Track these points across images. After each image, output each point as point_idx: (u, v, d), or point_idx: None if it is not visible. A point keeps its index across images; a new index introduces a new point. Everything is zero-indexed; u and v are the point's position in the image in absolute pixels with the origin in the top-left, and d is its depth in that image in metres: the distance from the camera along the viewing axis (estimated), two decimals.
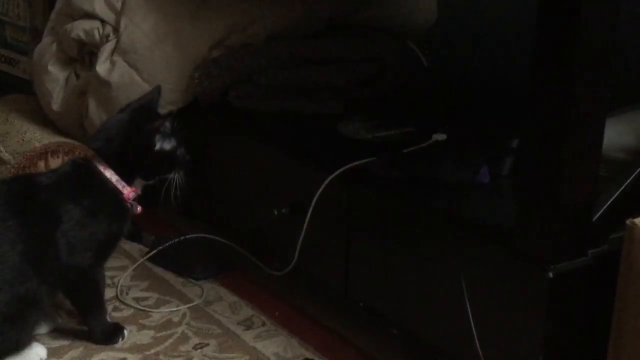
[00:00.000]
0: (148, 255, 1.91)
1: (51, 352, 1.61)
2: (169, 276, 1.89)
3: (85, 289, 1.61)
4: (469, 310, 1.35)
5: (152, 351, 1.63)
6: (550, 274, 1.25)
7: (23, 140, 2.01)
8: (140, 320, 1.72)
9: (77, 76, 2.04)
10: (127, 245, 1.99)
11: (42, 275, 1.52)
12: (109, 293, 1.80)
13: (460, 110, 1.88)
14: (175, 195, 1.65)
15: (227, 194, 1.93)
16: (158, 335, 1.68)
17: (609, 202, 1.28)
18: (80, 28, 1.98)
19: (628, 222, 1.17)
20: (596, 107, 1.22)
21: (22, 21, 2.54)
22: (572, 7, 1.14)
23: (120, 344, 1.64)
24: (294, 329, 1.70)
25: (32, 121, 2.11)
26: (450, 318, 1.41)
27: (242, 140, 1.86)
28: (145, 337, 1.67)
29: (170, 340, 1.66)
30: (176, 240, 1.91)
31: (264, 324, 1.72)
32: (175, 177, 1.65)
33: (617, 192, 1.29)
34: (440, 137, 1.68)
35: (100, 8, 1.97)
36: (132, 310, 1.76)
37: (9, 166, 1.95)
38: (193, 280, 1.86)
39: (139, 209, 1.64)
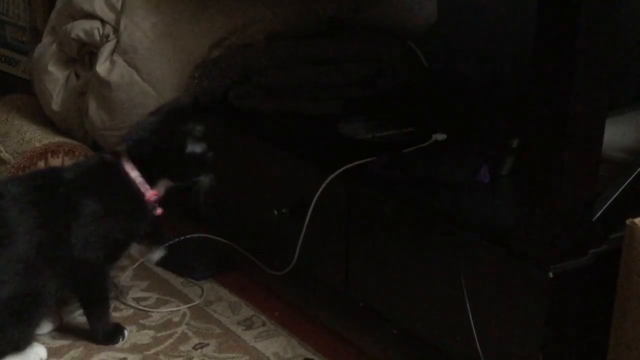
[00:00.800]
0: (148, 255, 1.91)
1: (51, 352, 1.61)
2: (169, 276, 1.89)
3: (93, 285, 1.62)
4: (469, 310, 1.35)
5: (152, 351, 1.63)
6: (550, 274, 1.25)
7: (23, 140, 2.01)
8: (140, 320, 1.73)
9: (77, 76, 2.05)
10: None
11: (53, 269, 1.52)
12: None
13: (460, 110, 1.88)
14: (203, 199, 1.66)
15: (227, 194, 1.93)
16: (158, 335, 1.68)
17: (609, 202, 1.28)
18: (80, 28, 1.98)
19: (628, 222, 1.18)
20: (596, 107, 1.22)
21: (22, 21, 2.54)
22: (572, 7, 1.14)
23: (120, 344, 1.64)
24: (294, 329, 1.70)
25: (32, 121, 2.11)
26: (450, 318, 1.41)
27: (242, 140, 1.86)
28: (145, 337, 1.67)
29: (170, 340, 1.66)
30: (176, 240, 1.91)
31: (264, 324, 1.72)
32: (204, 180, 1.66)
33: (617, 192, 1.29)
34: (440, 137, 1.68)
35: (100, 8, 1.97)
36: (132, 310, 1.76)
37: (9, 166, 1.95)
38: (193, 280, 1.86)
39: (159, 210, 1.66)
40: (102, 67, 1.93)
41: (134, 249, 1.96)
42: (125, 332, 1.66)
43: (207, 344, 1.65)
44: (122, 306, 1.77)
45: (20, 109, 2.17)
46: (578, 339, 1.33)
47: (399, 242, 1.51)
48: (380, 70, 2.02)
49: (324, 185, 1.58)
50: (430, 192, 1.51)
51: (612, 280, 1.21)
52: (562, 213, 1.24)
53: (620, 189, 1.29)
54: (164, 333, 1.68)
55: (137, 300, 1.79)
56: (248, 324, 1.72)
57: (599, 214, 1.28)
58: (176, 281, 1.87)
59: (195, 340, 1.66)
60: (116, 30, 1.95)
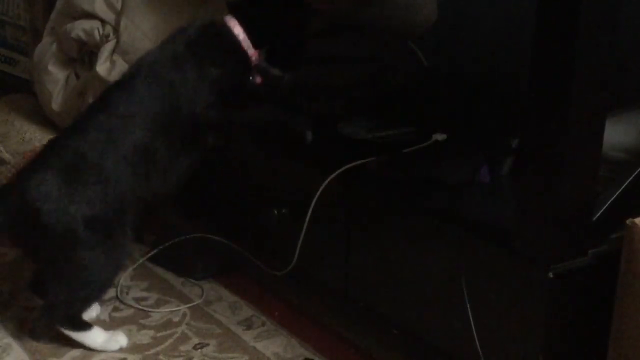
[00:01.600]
0: (148, 256, 1.92)
1: (51, 352, 1.61)
2: (169, 276, 1.89)
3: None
4: (469, 310, 1.35)
5: (152, 351, 1.63)
6: (550, 274, 1.25)
7: (23, 140, 2.01)
8: (140, 320, 1.73)
9: (77, 76, 2.05)
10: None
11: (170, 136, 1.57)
12: (109, 293, 1.80)
13: (460, 110, 1.88)
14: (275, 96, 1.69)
15: (227, 193, 1.93)
16: (158, 335, 1.68)
17: (609, 202, 1.28)
18: (80, 28, 1.98)
19: (628, 222, 1.17)
20: (596, 107, 1.22)
21: (22, 21, 2.54)
22: (572, 7, 1.14)
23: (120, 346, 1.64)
24: (294, 329, 1.70)
25: (32, 121, 2.11)
26: (450, 318, 1.41)
27: (242, 140, 1.86)
28: (145, 337, 1.67)
29: (170, 340, 1.66)
30: (176, 240, 1.91)
31: (264, 324, 1.72)
32: (287, 78, 1.69)
33: (617, 192, 1.29)
34: (440, 137, 1.68)
35: (100, 8, 1.97)
36: (132, 310, 1.76)
37: (9, 166, 1.95)
38: (193, 280, 1.86)
39: (258, 79, 1.67)
40: (102, 67, 1.93)
41: (134, 249, 1.97)
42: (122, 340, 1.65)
43: (207, 344, 1.65)
44: (122, 306, 1.77)
45: (20, 109, 2.17)
46: (578, 339, 1.33)
47: (399, 242, 1.51)
48: (380, 70, 2.02)
49: (324, 185, 1.58)
50: (430, 192, 1.51)
51: (612, 280, 1.21)
52: (562, 213, 1.24)
53: (620, 189, 1.29)
54: (164, 333, 1.68)
55: (137, 300, 1.79)
56: (248, 324, 1.72)
57: (599, 214, 1.28)
58: (176, 281, 1.87)
59: (195, 340, 1.66)
60: (116, 30, 1.95)
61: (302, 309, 1.77)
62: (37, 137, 2.01)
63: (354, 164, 1.58)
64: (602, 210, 1.28)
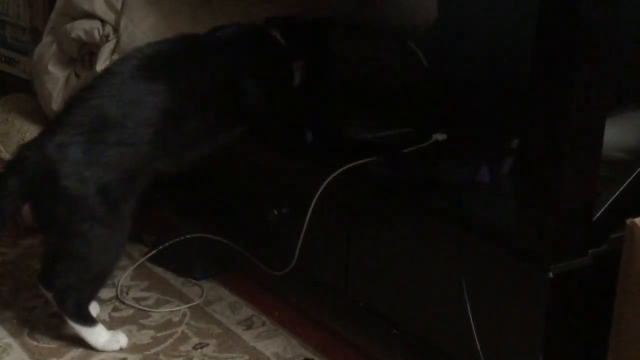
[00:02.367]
0: (148, 256, 1.92)
1: (51, 352, 1.61)
2: (169, 276, 1.89)
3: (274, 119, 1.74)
4: (469, 310, 1.35)
5: (152, 351, 1.63)
6: (550, 274, 1.25)
7: (23, 140, 2.01)
8: (140, 320, 1.73)
9: (77, 76, 2.04)
10: (127, 245, 1.99)
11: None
12: (108, 293, 1.80)
13: (460, 110, 1.88)
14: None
15: (227, 193, 1.93)
16: (158, 335, 1.68)
17: (609, 202, 1.28)
18: (80, 28, 1.98)
19: (628, 222, 1.17)
20: (596, 107, 1.22)
21: (22, 21, 2.54)
22: (572, 7, 1.14)
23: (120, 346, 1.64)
24: (294, 329, 1.70)
25: (32, 121, 2.11)
26: (450, 318, 1.41)
27: (242, 140, 1.86)
28: (145, 337, 1.67)
29: (170, 340, 1.66)
30: (176, 240, 1.91)
31: (264, 324, 1.72)
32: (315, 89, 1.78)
33: (617, 192, 1.29)
34: (440, 137, 1.68)
35: (100, 8, 1.96)
36: (132, 310, 1.76)
37: None
38: (193, 280, 1.86)
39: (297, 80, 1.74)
40: (102, 67, 1.93)
41: (134, 249, 1.97)
42: (122, 339, 1.65)
43: (207, 344, 1.65)
44: (122, 306, 1.77)
45: (20, 109, 2.17)
46: (578, 339, 1.33)
47: (399, 242, 1.51)
48: (380, 70, 2.02)
49: (324, 185, 1.58)
50: (430, 192, 1.51)
51: (612, 280, 1.21)
52: (562, 213, 1.24)
53: (620, 189, 1.29)
54: (164, 333, 1.69)
55: (137, 300, 1.79)
56: (248, 324, 1.72)
57: (599, 214, 1.28)
58: (176, 281, 1.87)
59: (195, 340, 1.66)
60: (116, 30, 1.95)
61: (302, 309, 1.77)
62: None
63: (354, 163, 1.58)
64: (602, 210, 1.28)
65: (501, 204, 1.46)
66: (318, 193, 1.59)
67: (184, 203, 2.09)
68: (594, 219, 1.28)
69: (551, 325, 1.28)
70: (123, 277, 1.85)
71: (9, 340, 1.65)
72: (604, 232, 1.30)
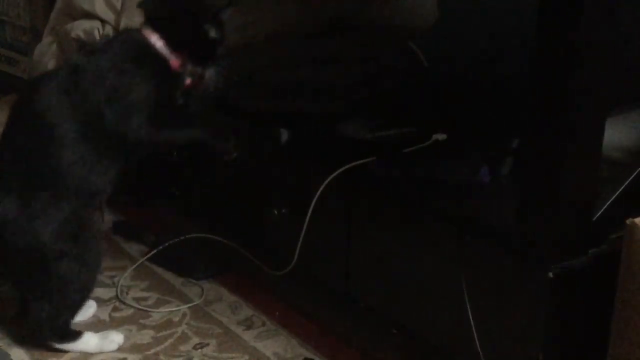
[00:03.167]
0: (148, 256, 1.92)
1: (51, 352, 1.61)
2: (169, 276, 1.89)
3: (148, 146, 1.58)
4: (469, 310, 1.35)
5: (152, 351, 1.63)
6: (550, 274, 1.25)
7: None
8: (140, 320, 1.72)
9: None
10: (127, 245, 1.99)
11: (98, 147, 1.52)
12: (108, 293, 1.80)
13: (460, 110, 1.88)
14: (206, 94, 1.62)
15: (227, 193, 1.93)
16: (158, 335, 1.68)
17: (609, 202, 1.28)
18: (80, 28, 1.98)
19: (628, 222, 1.17)
20: (596, 107, 1.22)
21: (22, 21, 2.54)
22: (572, 7, 1.14)
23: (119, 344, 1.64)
24: (294, 329, 1.70)
25: None
26: (450, 318, 1.41)
27: (242, 140, 1.86)
28: (145, 337, 1.67)
29: (170, 340, 1.66)
30: (176, 240, 1.91)
31: (264, 324, 1.72)
32: (211, 73, 1.60)
33: (617, 192, 1.29)
34: (440, 137, 1.68)
35: (100, 8, 1.97)
36: (132, 310, 1.76)
37: None
38: (193, 280, 1.86)
39: (189, 80, 1.59)
40: None
41: (134, 249, 1.97)
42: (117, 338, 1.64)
43: (207, 344, 1.65)
44: (122, 306, 1.77)
45: None
46: (578, 339, 1.33)
47: (399, 242, 1.51)
48: (380, 70, 2.02)
49: (324, 185, 1.58)
50: (430, 192, 1.51)
51: (612, 280, 1.21)
52: (562, 213, 1.24)
53: (620, 189, 1.29)
54: (164, 333, 1.68)
55: (137, 300, 1.79)
56: (248, 324, 1.72)
57: (599, 214, 1.28)
58: (176, 281, 1.87)
59: (195, 340, 1.66)
60: (116, 30, 1.95)
61: (302, 309, 1.77)
62: None
63: (354, 164, 1.58)
64: (602, 210, 1.28)
65: (501, 204, 1.46)
66: (318, 193, 1.59)
67: (184, 203, 2.09)
68: (594, 219, 1.28)
69: (551, 325, 1.28)
70: (123, 277, 1.85)
71: (9, 340, 1.65)
72: (604, 232, 1.30)
